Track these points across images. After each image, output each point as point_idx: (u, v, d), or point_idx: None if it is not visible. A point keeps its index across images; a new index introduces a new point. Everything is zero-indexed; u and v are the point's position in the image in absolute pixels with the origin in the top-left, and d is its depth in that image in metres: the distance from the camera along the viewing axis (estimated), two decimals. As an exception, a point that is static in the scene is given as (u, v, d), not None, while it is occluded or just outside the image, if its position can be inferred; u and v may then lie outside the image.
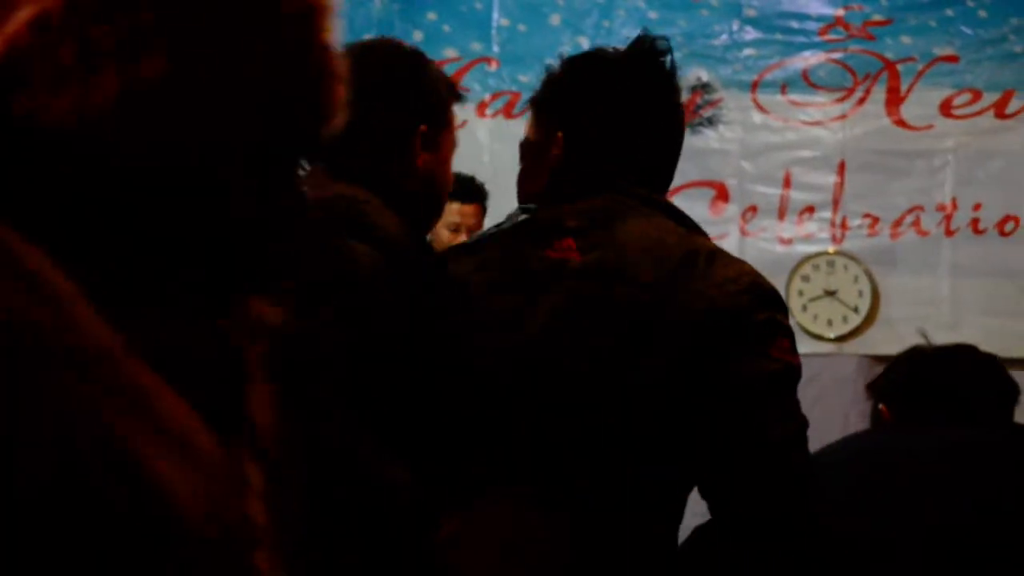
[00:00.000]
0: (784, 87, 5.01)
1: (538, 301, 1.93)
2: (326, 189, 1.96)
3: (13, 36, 0.48)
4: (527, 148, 2.14)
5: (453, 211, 3.90)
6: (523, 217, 2.06)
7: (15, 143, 0.48)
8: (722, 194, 5.01)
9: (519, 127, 4.70)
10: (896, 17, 4.94)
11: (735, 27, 5.04)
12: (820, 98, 4.99)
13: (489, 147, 4.93)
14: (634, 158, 2.09)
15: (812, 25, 5.02)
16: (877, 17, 4.96)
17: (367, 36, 5.16)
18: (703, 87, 5.28)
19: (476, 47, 5.05)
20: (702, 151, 5.01)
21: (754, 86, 5.02)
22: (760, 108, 5.02)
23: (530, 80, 5.19)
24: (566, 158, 2.06)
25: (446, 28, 5.06)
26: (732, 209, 5.00)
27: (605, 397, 1.86)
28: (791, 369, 1.89)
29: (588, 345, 1.89)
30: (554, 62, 2.17)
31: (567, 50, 5.11)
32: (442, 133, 2.14)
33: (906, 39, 4.94)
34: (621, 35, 5.08)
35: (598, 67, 2.16)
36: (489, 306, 1.97)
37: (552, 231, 1.98)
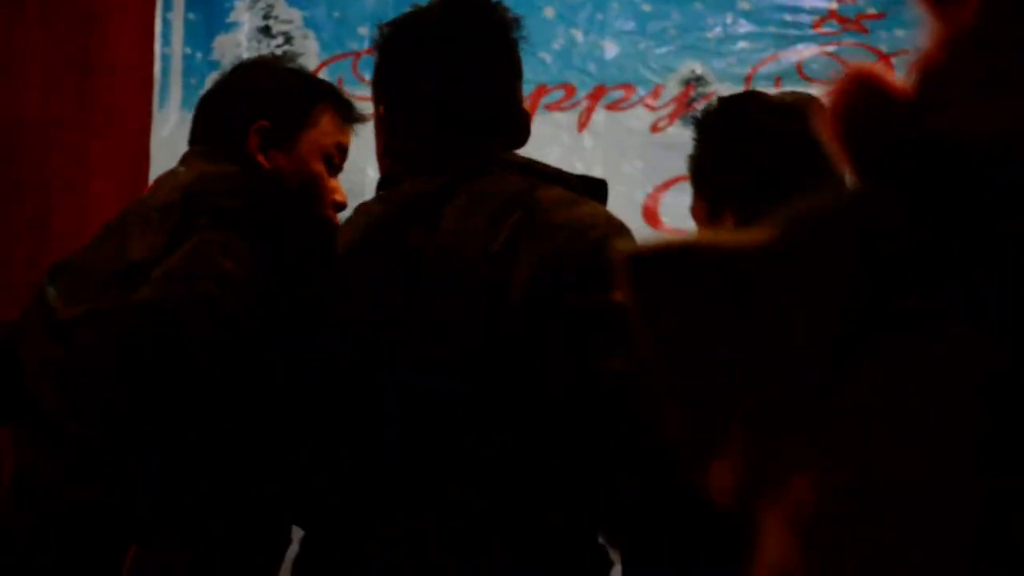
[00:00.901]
0: (778, 80, 5.00)
1: (398, 290, 1.90)
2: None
3: (929, 56, 0.51)
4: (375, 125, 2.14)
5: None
6: (376, 198, 2.04)
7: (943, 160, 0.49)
8: (716, 187, 5.00)
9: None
10: (890, 11, 4.94)
11: (729, 20, 5.04)
12: (815, 91, 4.98)
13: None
14: (462, 115, 2.00)
15: (806, 18, 5.01)
16: (871, 10, 4.96)
17: (361, 28, 5.17)
18: (696, 80, 5.27)
19: (470, 40, 5.04)
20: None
21: (748, 79, 5.01)
22: (754, 101, 5.01)
23: (524, 73, 5.19)
24: (392, 132, 2.03)
25: (439, 21, 5.05)
26: (726, 202, 5.00)
27: (474, 388, 1.84)
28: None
29: (452, 336, 1.86)
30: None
31: (560, 43, 5.12)
32: (296, 133, 2.24)
33: (900, 32, 4.93)
34: (615, 27, 5.09)
35: (401, 29, 2.10)
36: (350, 293, 1.93)
37: (403, 214, 1.93)
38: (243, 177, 2.07)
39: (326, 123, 2.27)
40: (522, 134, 2.05)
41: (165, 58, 5.21)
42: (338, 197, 2.27)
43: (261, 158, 2.19)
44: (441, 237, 1.86)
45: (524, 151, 2.08)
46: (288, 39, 5.22)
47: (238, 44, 5.18)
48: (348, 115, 2.34)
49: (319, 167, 2.25)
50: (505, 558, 1.83)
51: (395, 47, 2.04)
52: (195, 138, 2.26)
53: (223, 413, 1.86)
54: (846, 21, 4.97)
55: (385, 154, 2.04)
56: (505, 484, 1.82)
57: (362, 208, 2.03)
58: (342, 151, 2.30)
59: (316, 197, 2.23)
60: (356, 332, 1.89)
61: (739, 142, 2.04)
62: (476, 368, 1.81)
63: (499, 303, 1.80)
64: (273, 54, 5.20)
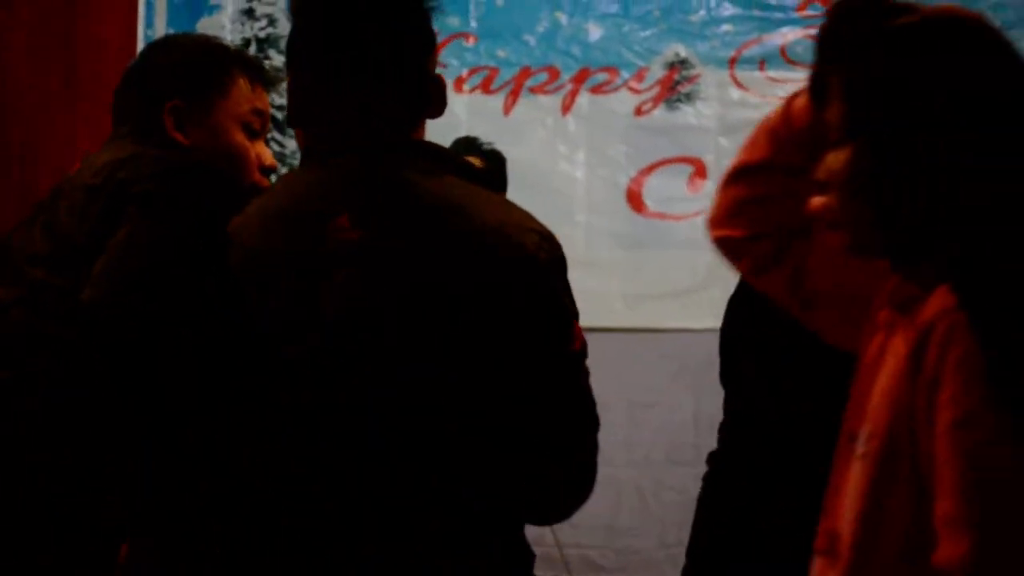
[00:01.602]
0: (762, 63, 5.01)
1: (322, 288, 1.85)
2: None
3: None
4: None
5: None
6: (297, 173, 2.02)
7: None
8: (700, 171, 5.00)
9: (497, 102, 4.75)
10: (874, -7, 4.94)
11: (713, 3, 5.04)
12: (798, 74, 4.97)
13: (467, 123, 4.91)
14: (370, 79, 1.95)
15: (790, 1, 5.01)
16: (855, -7, 4.96)
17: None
18: (680, 63, 5.29)
19: (453, 22, 5.03)
20: (680, 127, 5.01)
21: (732, 62, 5.01)
22: (738, 84, 5.01)
23: (508, 55, 5.19)
24: (300, 97, 2.00)
25: (424, 3, 5.05)
26: (709, 186, 4.99)
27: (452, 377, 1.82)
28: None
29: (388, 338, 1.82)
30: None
31: (545, 26, 5.11)
32: (210, 103, 2.24)
33: (884, 16, 4.94)
34: (599, 10, 5.08)
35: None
36: (269, 290, 1.88)
37: (323, 204, 1.89)
38: (164, 160, 2.05)
39: (237, 91, 2.23)
40: (435, 102, 2.00)
41: (149, 39, 5.19)
42: (266, 161, 2.24)
43: (179, 136, 2.17)
44: (369, 236, 1.82)
45: (515, 132, 2.04)
46: (272, 21, 5.21)
47: (221, 26, 5.16)
48: (259, 78, 2.30)
49: (239, 137, 2.22)
50: (493, 546, 1.83)
51: (306, 10, 1.99)
52: (116, 120, 2.24)
53: (176, 403, 1.87)
54: (830, 4, 4.97)
55: (296, 122, 1.99)
56: (489, 473, 1.81)
57: (287, 183, 2.00)
58: (260, 115, 2.26)
59: (240, 169, 2.21)
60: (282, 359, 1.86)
61: None
62: (450, 359, 1.79)
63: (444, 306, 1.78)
64: (256, 36, 5.19)
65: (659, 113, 5.01)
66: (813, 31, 5.14)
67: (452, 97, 5.15)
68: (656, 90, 5.01)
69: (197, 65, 2.26)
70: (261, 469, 1.84)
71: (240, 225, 1.93)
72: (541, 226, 1.88)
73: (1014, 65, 1.56)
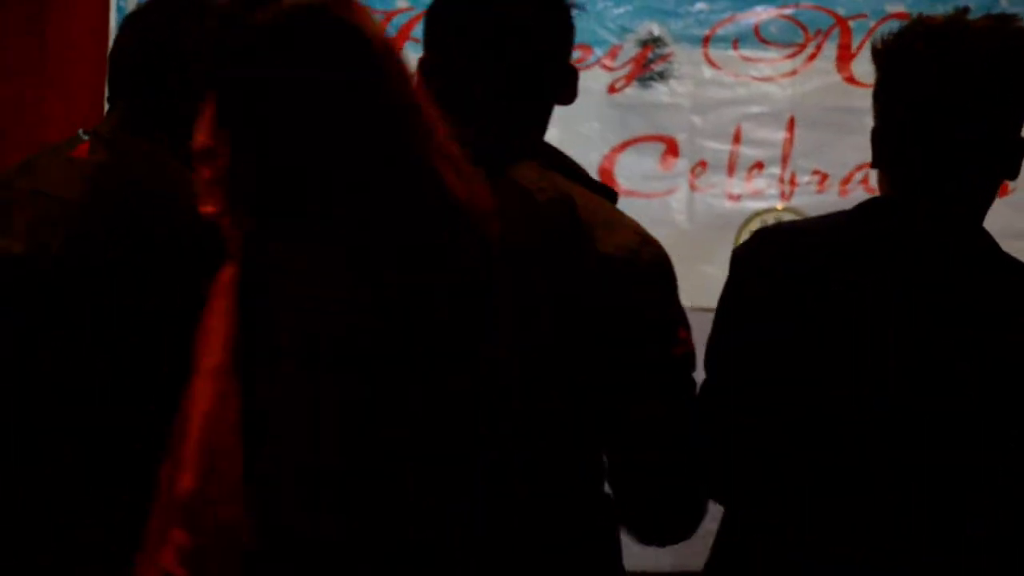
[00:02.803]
0: (735, 42, 5.00)
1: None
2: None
3: None
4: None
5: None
6: None
7: None
8: (672, 149, 5.00)
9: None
10: (848, -26, 4.94)
11: (687, -19, 5.04)
12: (771, 54, 4.99)
13: (439, 99, 4.90)
14: (513, 66, 1.97)
15: (764, -20, 5.02)
16: (829, -27, 4.96)
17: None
18: (654, 41, 5.27)
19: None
20: (652, 105, 5.00)
21: (705, 41, 5.01)
22: (711, 63, 5.01)
23: (481, 32, 5.17)
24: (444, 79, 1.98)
25: (397, -22, 5.03)
26: (682, 164, 5.00)
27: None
28: None
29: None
30: None
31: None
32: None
33: (858, -4, 4.95)
34: (573, -12, 5.07)
35: None
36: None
37: None
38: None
39: None
40: (568, 92, 1.99)
41: (121, 11, 5.15)
42: None
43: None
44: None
45: None
46: None
47: None
48: None
49: None
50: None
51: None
52: (131, 97, 2.14)
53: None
54: (804, -16, 4.97)
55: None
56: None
57: None
58: None
59: None
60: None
61: None
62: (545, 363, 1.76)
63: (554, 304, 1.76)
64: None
65: (632, 91, 5.01)
66: (787, 11, 5.16)
67: (425, 73, 5.13)
68: (629, 68, 5.00)
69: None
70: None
71: None
72: (644, 230, 1.87)
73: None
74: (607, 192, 1.98)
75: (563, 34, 1.93)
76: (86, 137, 2.10)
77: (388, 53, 1.69)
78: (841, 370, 1.87)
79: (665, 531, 1.90)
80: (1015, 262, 1.92)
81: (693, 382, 1.84)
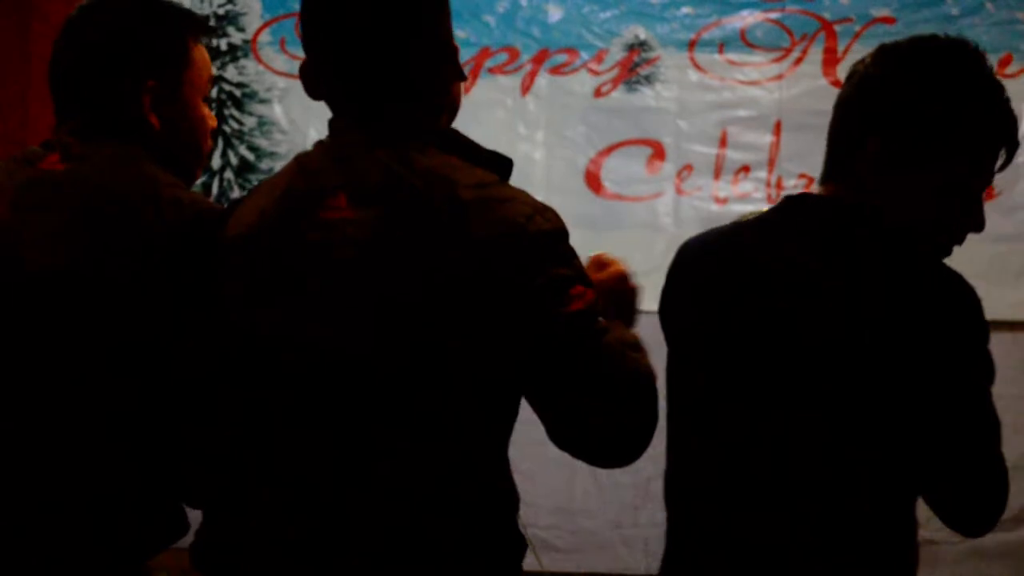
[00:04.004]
0: (721, 46, 5.01)
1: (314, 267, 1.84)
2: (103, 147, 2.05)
3: None
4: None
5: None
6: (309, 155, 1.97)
7: None
8: (658, 153, 5.01)
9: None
10: (834, -22, 4.96)
11: (673, -15, 5.04)
12: (757, 58, 5.00)
13: (426, 102, 4.90)
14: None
15: (750, -16, 5.03)
16: (815, -23, 4.97)
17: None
18: (640, 45, 5.28)
19: (413, 1, 5.01)
20: (639, 109, 5.01)
21: (691, 45, 5.01)
22: (697, 67, 5.02)
23: (468, 35, 5.17)
24: (312, 78, 1.99)
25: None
26: (668, 168, 5.01)
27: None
28: None
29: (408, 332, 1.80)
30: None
31: (504, 6, 5.10)
32: (179, 78, 2.13)
33: (844, 0, 4.95)
34: (559, -9, 5.08)
35: None
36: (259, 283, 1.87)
37: (322, 182, 1.87)
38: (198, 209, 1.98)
39: (200, 59, 2.11)
40: (453, 70, 1.98)
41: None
42: (211, 123, 2.17)
43: (153, 119, 2.05)
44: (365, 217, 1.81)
45: (474, 112, 2.00)
46: (230, -2, 5.17)
47: (179, 3, 5.12)
48: (209, 37, 2.19)
49: (202, 109, 2.14)
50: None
51: None
52: (72, 100, 2.08)
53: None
54: (790, -12, 4.98)
55: (313, 97, 1.97)
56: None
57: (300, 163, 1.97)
58: (212, 80, 2.18)
59: (204, 143, 2.11)
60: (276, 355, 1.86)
61: None
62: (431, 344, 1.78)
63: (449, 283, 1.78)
64: (215, 13, 5.15)
65: (618, 95, 5.01)
66: (773, 15, 5.17)
67: (411, 76, 5.13)
68: (616, 72, 5.01)
69: (168, 37, 2.13)
70: (261, 458, 1.84)
71: (241, 207, 1.93)
72: (535, 201, 1.88)
73: None
74: (501, 164, 1.98)
75: (422, 11, 1.93)
76: (45, 149, 2.06)
77: None
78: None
79: (624, 451, 1.91)
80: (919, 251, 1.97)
81: (601, 330, 1.85)
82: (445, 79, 1.97)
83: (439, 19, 1.95)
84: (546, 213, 1.87)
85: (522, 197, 1.87)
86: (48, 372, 1.93)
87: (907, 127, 1.98)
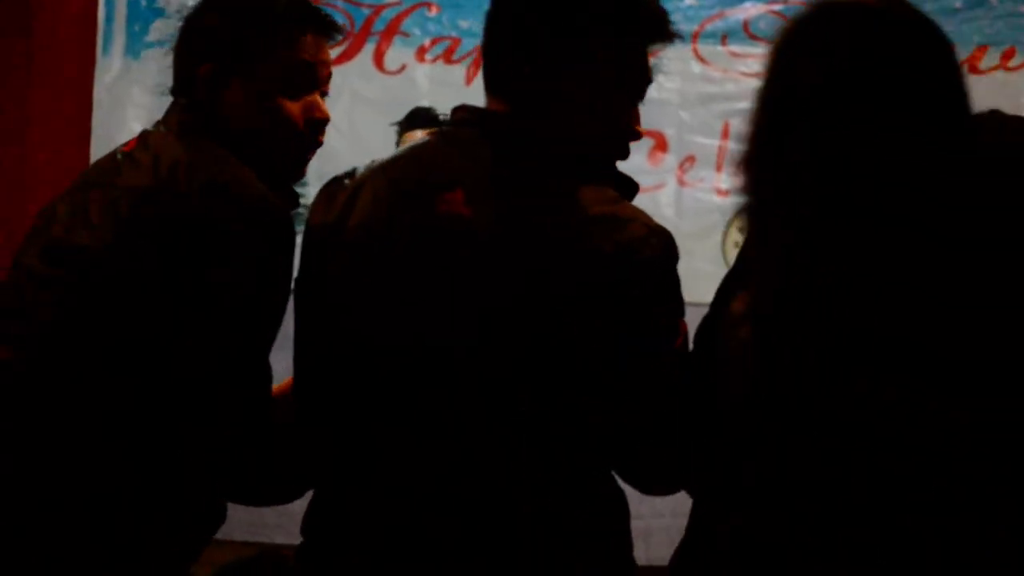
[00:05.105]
0: (724, 38, 5.01)
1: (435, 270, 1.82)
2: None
3: None
4: None
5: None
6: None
7: None
8: (660, 144, 5.01)
9: (459, 72, 4.68)
10: (837, -30, 4.95)
11: (677, -23, 5.05)
12: (760, 50, 4.98)
13: (429, 92, 4.90)
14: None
15: (753, -24, 5.03)
16: (818, -30, 4.97)
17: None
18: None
19: (417, -9, 5.02)
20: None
21: (695, 37, 5.02)
22: (700, 59, 5.02)
23: (470, 26, 5.16)
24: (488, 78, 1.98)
25: (387, -29, 5.03)
26: (670, 159, 5.01)
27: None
28: None
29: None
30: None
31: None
32: (249, 66, 2.08)
33: (846, -8, 4.96)
34: (563, -18, 5.07)
35: None
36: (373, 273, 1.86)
37: (440, 177, 1.85)
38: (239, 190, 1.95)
39: (287, 52, 2.07)
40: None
41: (109, 3, 5.15)
42: (316, 114, 2.11)
43: (221, 106, 2.03)
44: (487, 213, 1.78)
45: (476, 102, 1.98)
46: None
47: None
48: (313, 26, 2.16)
49: (287, 106, 2.07)
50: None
51: None
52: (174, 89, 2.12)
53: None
54: (793, -20, 4.99)
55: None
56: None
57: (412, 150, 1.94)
58: (305, 69, 2.09)
59: (282, 138, 2.09)
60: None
61: None
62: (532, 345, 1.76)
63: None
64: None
65: (621, 86, 5.01)
66: (776, 7, 5.17)
67: (414, 66, 5.15)
68: (618, 63, 5.01)
69: (239, 23, 2.09)
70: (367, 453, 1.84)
71: (346, 193, 1.91)
72: (651, 220, 1.88)
73: None
74: (627, 185, 1.99)
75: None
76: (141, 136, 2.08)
77: None
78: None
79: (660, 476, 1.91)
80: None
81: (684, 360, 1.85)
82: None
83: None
84: (663, 236, 1.86)
85: (643, 218, 1.87)
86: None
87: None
